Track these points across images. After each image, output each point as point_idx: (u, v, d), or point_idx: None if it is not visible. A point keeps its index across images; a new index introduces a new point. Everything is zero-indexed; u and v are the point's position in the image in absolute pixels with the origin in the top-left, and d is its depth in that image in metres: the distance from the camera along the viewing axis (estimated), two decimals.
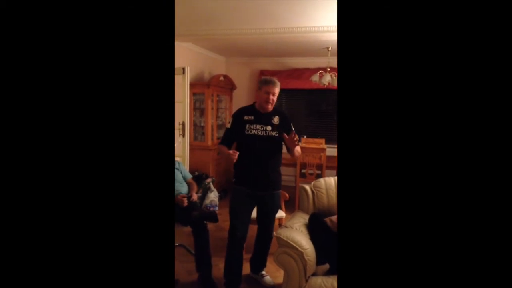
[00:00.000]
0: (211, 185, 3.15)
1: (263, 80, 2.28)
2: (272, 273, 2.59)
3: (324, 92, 5.15)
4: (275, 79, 2.27)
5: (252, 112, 2.28)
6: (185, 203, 2.61)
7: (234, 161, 2.14)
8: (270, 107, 2.26)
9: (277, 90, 2.24)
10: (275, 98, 2.25)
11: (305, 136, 4.90)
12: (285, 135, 2.16)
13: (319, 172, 4.12)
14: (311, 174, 4.09)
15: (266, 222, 2.43)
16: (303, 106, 5.60)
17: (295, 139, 2.14)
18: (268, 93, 2.21)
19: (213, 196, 3.07)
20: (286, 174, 2.52)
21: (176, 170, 2.96)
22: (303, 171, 4.16)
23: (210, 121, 4.63)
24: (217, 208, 2.97)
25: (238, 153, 2.14)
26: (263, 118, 2.26)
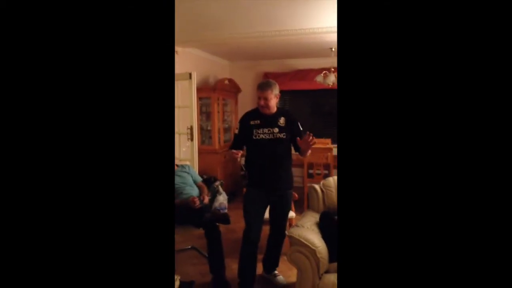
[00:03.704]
0: (220, 188, 3.17)
1: (258, 84, 2.31)
2: (284, 272, 2.61)
3: (328, 92, 5.16)
4: (269, 81, 2.29)
5: (258, 116, 2.29)
6: (197, 203, 2.65)
7: (238, 159, 2.14)
8: (267, 110, 2.26)
9: (269, 94, 2.21)
10: (269, 102, 2.22)
11: None
12: (298, 139, 2.18)
13: (326, 172, 4.14)
14: (318, 174, 4.11)
15: (280, 221, 2.46)
16: (308, 107, 5.63)
17: (312, 142, 2.12)
18: (259, 98, 2.24)
19: (222, 198, 3.10)
20: (294, 175, 2.54)
21: (186, 174, 3.00)
22: (310, 171, 4.18)
23: (216, 124, 4.68)
24: (226, 210, 3.00)
25: (241, 152, 2.16)
26: (269, 120, 2.27)
